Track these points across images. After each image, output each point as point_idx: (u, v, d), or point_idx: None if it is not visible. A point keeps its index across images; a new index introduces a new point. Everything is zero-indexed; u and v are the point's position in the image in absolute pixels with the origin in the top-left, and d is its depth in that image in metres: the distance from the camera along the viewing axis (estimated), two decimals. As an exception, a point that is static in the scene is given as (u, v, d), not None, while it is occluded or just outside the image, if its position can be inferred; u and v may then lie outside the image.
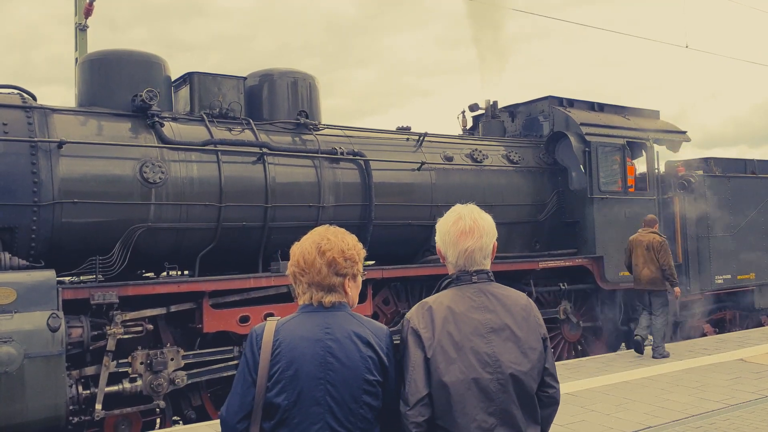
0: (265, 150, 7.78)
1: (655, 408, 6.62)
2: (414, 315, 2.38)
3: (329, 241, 2.29)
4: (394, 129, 9.64)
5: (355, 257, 2.33)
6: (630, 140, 10.63)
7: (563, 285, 9.76)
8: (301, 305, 2.32)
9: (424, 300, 2.45)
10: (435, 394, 2.28)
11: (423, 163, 8.95)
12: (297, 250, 2.33)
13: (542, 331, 2.46)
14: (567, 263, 9.68)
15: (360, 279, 2.40)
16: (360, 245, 2.41)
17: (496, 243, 2.56)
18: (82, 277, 7.06)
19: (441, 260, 2.56)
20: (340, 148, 8.40)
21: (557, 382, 2.50)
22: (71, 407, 6.10)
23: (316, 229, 2.39)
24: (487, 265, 2.52)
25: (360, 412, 2.18)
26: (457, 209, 2.53)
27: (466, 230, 2.45)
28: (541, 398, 2.43)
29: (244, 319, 7.20)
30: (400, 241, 8.95)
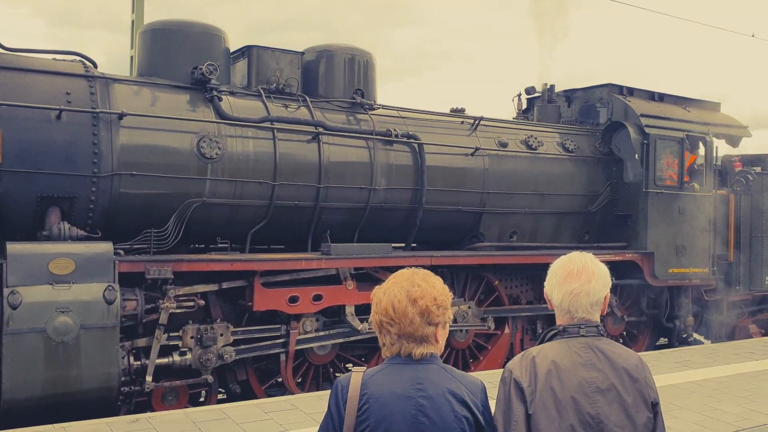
0: (320, 129, 7.69)
1: (704, 418, 6.50)
2: (517, 366, 2.29)
3: (420, 288, 2.14)
4: (449, 110, 9.47)
5: (446, 303, 2.19)
6: (689, 133, 10.30)
7: (612, 279, 9.55)
8: (388, 357, 2.18)
9: (527, 350, 2.36)
10: None
11: (477, 149, 8.79)
12: (383, 297, 2.15)
13: (653, 395, 2.32)
14: (617, 257, 9.49)
15: (449, 326, 2.25)
16: (447, 289, 2.24)
17: (609, 295, 2.43)
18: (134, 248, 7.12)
19: (549, 306, 2.45)
20: (395, 129, 8.27)
21: None
22: (123, 378, 6.21)
23: (400, 272, 2.23)
24: (596, 316, 2.39)
25: None
26: (572, 254, 2.44)
27: (573, 271, 2.36)
28: None
29: (293, 299, 7.21)
30: (447, 226, 8.84)
